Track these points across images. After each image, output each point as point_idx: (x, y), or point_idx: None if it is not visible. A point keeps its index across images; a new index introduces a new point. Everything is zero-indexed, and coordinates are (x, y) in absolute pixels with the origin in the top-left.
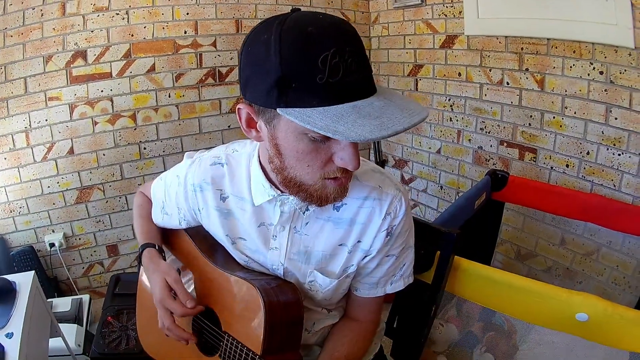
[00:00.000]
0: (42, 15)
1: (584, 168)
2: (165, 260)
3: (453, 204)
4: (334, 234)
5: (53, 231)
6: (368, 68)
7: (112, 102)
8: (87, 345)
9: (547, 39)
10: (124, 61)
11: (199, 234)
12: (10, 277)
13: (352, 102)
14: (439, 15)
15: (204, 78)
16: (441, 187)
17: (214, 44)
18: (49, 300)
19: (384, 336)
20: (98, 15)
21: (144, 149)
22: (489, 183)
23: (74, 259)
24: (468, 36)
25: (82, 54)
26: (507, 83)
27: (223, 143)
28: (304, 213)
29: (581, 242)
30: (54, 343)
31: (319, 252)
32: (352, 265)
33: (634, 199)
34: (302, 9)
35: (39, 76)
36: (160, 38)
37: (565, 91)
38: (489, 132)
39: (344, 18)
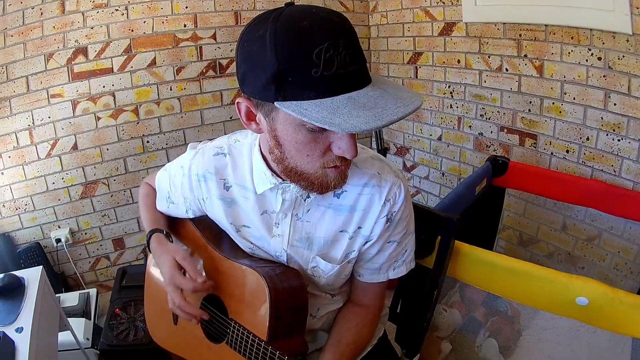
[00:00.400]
0: (41, 14)
1: (584, 154)
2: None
3: (453, 191)
4: (335, 221)
5: (59, 227)
6: (362, 59)
7: (114, 97)
8: (95, 338)
9: (545, 25)
10: (125, 56)
11: (204, 222)
12: (18, 272)
13: (347, 94)
14: (437, 2)
15: (204, 70)
16: (443, 174)
17: (213, 37)
18: (56, 295)
19: (387, 321)
20: (97, 12)
21: (147, 142)
22: (489, 169)
23: (80, 254)
24: (466, 23)
25: (82, 51)
26: (506, 69)
27: (225, 134)
28: (305, 200)
29: (583, 227)
30: (63, 337)
31: (320, 238)
32: (354, 251)
33: (634, 185)
34: (299, 0)
35: (40, 74)
36: (160, 32)
37: (564, 77)
38: (489, 119)
39: (337, 10)
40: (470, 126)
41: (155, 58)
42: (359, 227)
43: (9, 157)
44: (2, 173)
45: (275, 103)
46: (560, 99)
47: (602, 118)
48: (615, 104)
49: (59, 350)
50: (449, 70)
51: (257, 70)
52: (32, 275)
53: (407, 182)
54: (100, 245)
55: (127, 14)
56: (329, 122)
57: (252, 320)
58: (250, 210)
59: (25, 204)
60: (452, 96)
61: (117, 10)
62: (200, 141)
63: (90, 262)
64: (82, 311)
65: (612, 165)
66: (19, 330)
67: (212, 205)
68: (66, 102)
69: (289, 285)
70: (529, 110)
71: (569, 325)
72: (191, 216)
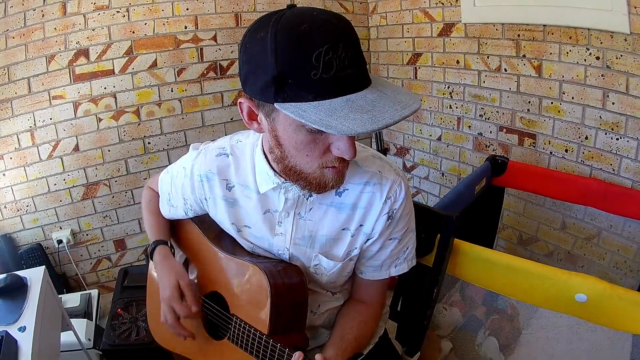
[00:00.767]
0: (43, 15)
1: (583, 153)
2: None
3: (452, 190)
4: (337, 219)
5: (60, 228)
6: (362, 62)
7: (116, 99)
8: (97, 339)
9: (543, 25)
10: (126, 58)
11: (205, 222)
12: (21, 272)
13: (346, 96)
14: (436, 3)
15: (205, 72)
16: (443, 174)
17: (214, 38)
18: (58, 296)
19: (388, 320)
20: (99, 14)
21: (149, 143)
22: (488, 169)
23: (81, 255)
24: (465, 24)
25: (84, 53)
26: (505, 70)
27: (226, 135)
28: (307, 199)
29: (582, 226)
30: (65, 338)
31: (322, 236)
32: (356, 248)
33: (633, 183)
34: (300, 1)
35: (42, 76)
36: (161, 34)
37: (563, 77)
38: (488, 119)
39: (338, 13)
40: (469, 126)
41: (156, 60)
42: (361, 225)
43: (11, 158)
44: (4, 174)
45: (275, 104)
46: (559, 99)
47: (600, 117)
48: (613, 103)
49: (62, 351)
50: (448, 70)
51: (258, 72)
52: (35, 275)
53: (407, 180)
54: (102, 247)
55: (128, 16)
56: (325, 124)
57: (254, 315)
58: (252, 210)
59: (27, 205)
60: (451, 96)
61: (118, 12)
62: (202, 142)
63: (91, 263)
64: (84, 312)
65: (611, 164)
66: (22, 329)
67: (215, 206)
68: (67, 104)
69: (290, 281)
70: (528, 110)
71: (569, 323)
72: (192, 216)
